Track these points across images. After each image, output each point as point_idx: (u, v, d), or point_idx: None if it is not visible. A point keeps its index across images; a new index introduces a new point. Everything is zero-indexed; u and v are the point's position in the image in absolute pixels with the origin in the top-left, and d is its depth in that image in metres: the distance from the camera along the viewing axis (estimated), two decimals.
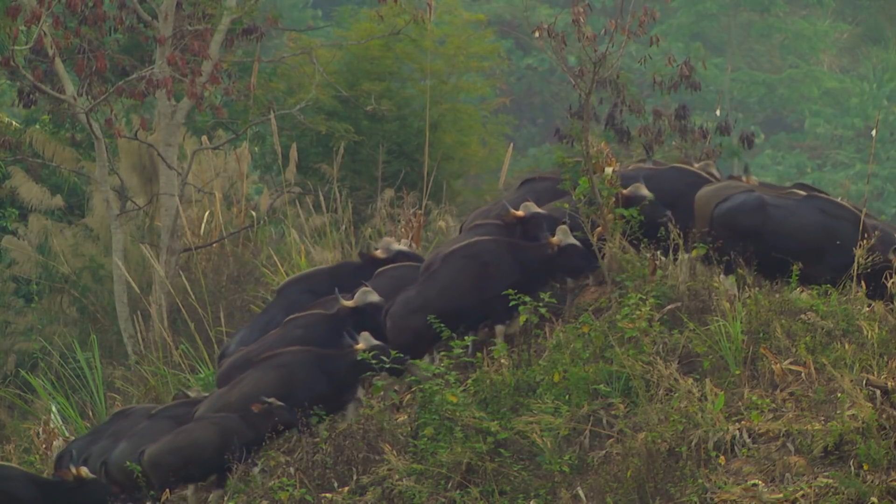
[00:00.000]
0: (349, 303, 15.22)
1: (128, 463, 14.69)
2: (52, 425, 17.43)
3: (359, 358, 14.58)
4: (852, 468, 12.56)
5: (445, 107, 24.66)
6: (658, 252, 14.96)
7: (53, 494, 14.72)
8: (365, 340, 14.72)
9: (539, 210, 15.49)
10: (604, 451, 13.40)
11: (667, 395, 13.55)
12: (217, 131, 24.20)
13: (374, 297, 15.30)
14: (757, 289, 14.45)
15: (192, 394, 15.85)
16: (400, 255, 16.32)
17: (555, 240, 15.01)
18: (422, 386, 14.00)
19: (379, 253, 16.33)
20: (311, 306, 15.70)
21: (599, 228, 15.03)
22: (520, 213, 15.46)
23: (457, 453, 13.50)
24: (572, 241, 15.04)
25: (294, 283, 16.71)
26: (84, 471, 14.73)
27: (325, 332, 15.16)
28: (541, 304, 14.63)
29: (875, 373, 13.26)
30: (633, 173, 15.57)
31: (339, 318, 15.21)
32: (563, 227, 15.10)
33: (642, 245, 15.01)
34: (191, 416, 15.00)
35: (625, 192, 15.35)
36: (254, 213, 22.15)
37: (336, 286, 15.55)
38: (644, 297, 14.23)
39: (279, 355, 14.85)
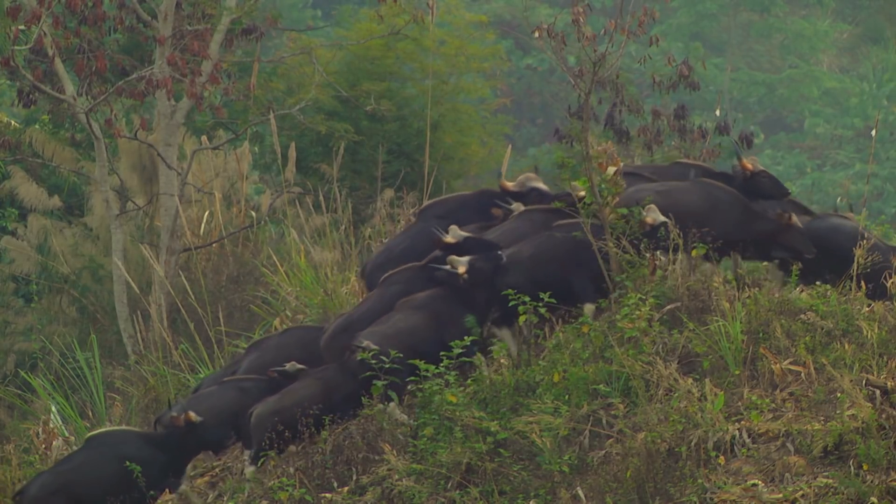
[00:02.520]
0: (449, 239, 15.24)
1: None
2: (51, 425, 17.43)
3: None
4: (852, 468, 12.57)
5: (445, 107, 24.66)
6: (658, 252, 14.96)
7: (168, 446, 14.67)
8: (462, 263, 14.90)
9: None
10: (603, 451, 13.40)
11: (666, 395, 13.55)
12: (217, 131, 24.20)
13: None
14: (757, 289, 14.46)
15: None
16: (534, 192, 16.26)
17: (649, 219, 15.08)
18: (421, 386, 14.00)
19: (514, 186, 16.26)
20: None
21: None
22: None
23: (456, 453, 13.50)
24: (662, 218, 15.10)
25: (430, 207, 16.70)
26: (192, 415, 14.65)
27: (422, 283, 15.27)
28: (540, 304, 14.63)
29: (875, 373, 13.27)
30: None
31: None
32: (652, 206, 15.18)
33: (642, 246, 15.01)
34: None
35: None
36: (254, 213, 22.15)
37: (474, 213, 15.63)
38: (644, 297, 14.23)
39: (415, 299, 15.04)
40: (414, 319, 14.83)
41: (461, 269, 14.89)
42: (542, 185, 16.26)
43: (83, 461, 14.51)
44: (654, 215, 14.86)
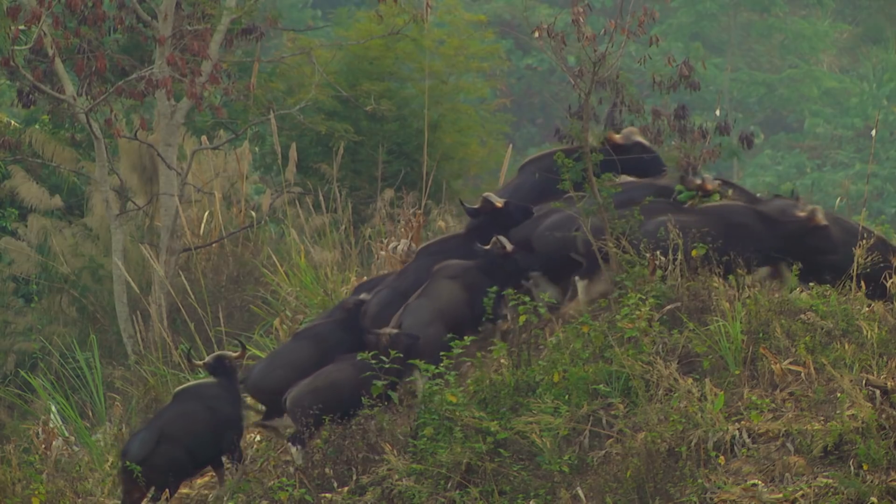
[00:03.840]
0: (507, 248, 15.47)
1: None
2: (51, 425, 17.42)
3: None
4: (852, 468, 12.57)
5: (445, 107, 24.66)
6: (657, 252, 14.95)
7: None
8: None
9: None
10: (603, 451, 13.40)
11: (666, 395, 13.55)
12: (217, 131, 24.20)
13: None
14: (757, 289, 14.46)
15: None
16: (637, 146, 16.25)
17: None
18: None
19: (620, 139, 16.24)
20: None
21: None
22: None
23: (456, 453, 13.50)
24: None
25: (532, 161, 16.80)
26: (390, 329, 14.94)
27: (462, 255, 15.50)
28: (540, 304, 14.63)
29: (875, 373, 13.27)
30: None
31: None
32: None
33: (642, 245, 15.00)
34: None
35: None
36: (254, 213, 22.15)
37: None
38: (644, 297, 14.23)
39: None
40: (452, 290, 15.01)
41: (509, 247, 15.22)
42: (644, 140, 16.29)
43: (178, 413, 14.66)
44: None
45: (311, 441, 14.44)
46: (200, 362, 15.16)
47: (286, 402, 14.78)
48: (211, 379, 15.03)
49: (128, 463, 14.41)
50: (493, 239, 15.45)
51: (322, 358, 15.08)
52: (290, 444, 14.60)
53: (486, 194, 16.02)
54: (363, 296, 15.94)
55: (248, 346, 15.72)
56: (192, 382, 15.21)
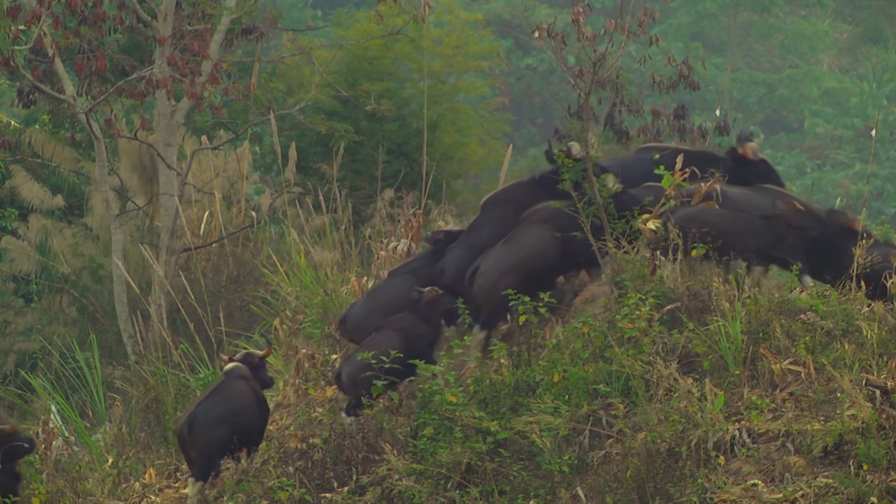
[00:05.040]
0: None
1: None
2: (51, 425, 17.41)
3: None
4: (852, 468, 12.57)
5: (444, 107, 24.67)
6: (657, 252, 14.95)
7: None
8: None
9: None
10: (603, 451, 13.40)
11: (666, 395, 13.55)
12: (217, 131, 24.20)
13: None
14: (757, 289, 14.46)
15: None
16: (762, 163, 16.07)
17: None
18: (421, 386, 14.00)
19: (749, 153, 16.09)
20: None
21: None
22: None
23: (456, 453, 13.51)
24: None
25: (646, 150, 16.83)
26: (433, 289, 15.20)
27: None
28: (540, 304, 14.63)
29: (875, 373, 13.26)
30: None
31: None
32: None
33: (640, 243, 15.00)
34: None
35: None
36: (254, 213, 22.15)
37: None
38: (643, 297, 14.23)
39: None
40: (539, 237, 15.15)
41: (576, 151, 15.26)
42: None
43: (236, 392, 14.78)
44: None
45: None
46: (227, 358, 15.22)
47: (340, 377, 14.93)
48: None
49: (191, 436, 14.55)
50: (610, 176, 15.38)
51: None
52: (344, 413, 14.70)
53: (570, 143, 15.99)
54: (449, 226, 16.14)
55: (248, 346, 15.76)
56: (233, 364, 15.25)
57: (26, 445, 15.27)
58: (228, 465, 14.83)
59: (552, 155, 15.71)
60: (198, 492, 14.53)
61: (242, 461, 14.68)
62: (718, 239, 14.66)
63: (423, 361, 14.47)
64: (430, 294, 15.10)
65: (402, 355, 14.60)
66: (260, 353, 15.12)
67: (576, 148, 15.44)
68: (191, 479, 14.66)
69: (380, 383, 14.44)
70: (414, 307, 15.12)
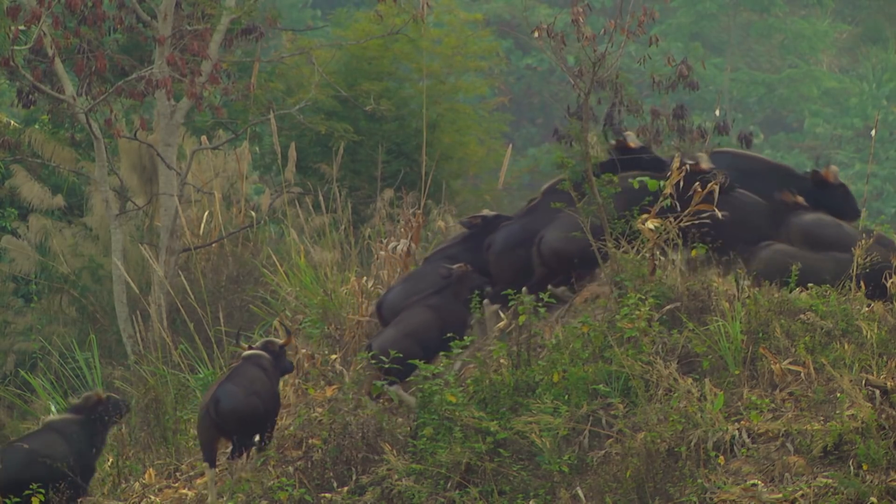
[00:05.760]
0: None
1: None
2: None
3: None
4: (852, 468, 12.56)
5: (444, 107, 24.68)
6: (657, 252, 14.95)
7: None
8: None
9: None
10: (603, 452, 13.40)
11: (666, 395, 13.55)
12: (217, 131, 24.20)
13: None
14: (756, 289, 14.45)
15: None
16: (842, 187, 15.86)
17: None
18: (421, 386, 14.00)
19: (830, 177, 15.84)
20: None
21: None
22: None
23: (456, 453, 13.50)
24: None
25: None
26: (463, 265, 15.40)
27: None
28: (540, 304, 14.63)
29: (874, 373, 13.27)
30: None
31: None
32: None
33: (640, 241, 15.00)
34: None
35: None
36: (253, 213, 22.15)
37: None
38: (643, 297, 14.23)
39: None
40: None
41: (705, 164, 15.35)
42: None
43: (254, 375, 14.83)
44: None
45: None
46: (247, 346, 15.26)
47: (370, 350, 15.06)
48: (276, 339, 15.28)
49: (217, 415, 14.56)
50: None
51: None
52: (387, 386, 14.82)
53: (626, 133, 16.16)
54: (485, 211, 16.25)
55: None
56: (252, 352, 15.28)
57: (123, 407, 15.46)
58: (225, 466, 14.85)
59: (623, 144, 15.91)
60: (213, 478, 14.61)
61: (243, 458, 14.71)
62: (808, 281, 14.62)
63: (455, 338, 14.56)
64: (460, 270, 15.24)
65: (433, 332, 14.75)
66: (280, 340, 15.16)
67: (632, 138, 15.62)
68: (206, 466, 14.72)
69: (379, 383, 14.43)
70: (444, 284, 15.28)
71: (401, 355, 14.77)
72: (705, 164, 15.50)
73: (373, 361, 14.86)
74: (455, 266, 15.37)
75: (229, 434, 14.59)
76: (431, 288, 15.56)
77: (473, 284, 15.30)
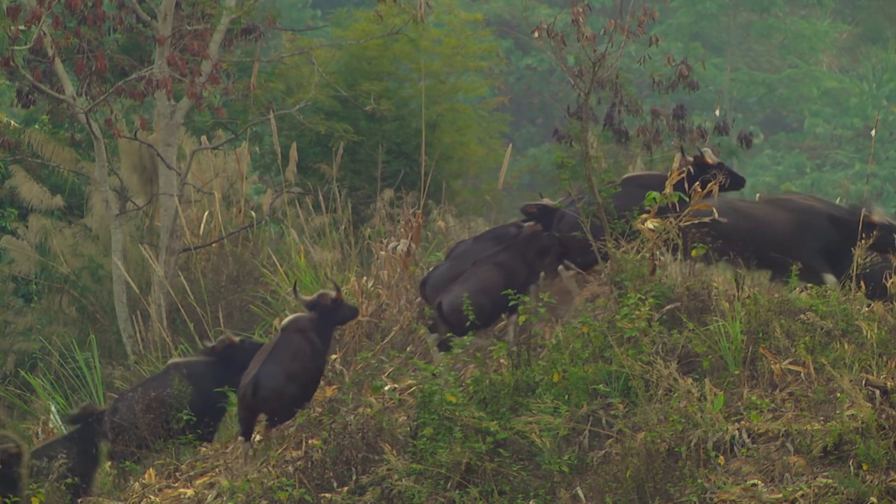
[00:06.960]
0: None
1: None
2: (51, 425, 17.43)
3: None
4: (851, 468, 12.57)
5: (443, 107, 24.66)
6: (657, 252, 14.96)
7: None
8: None
9: None
10: (603, 451, 13.40)
11: (666, 395, 13.55)
12: (217, 131, 24.19)
13: None
14: (756, 289, 14.46)
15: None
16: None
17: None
18: (421, 386, 14.00)
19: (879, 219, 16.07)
20: None
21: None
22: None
23: (456, 453, 13.50)
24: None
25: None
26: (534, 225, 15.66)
27: None
28: (540, 304, 14.63)
29: (874, 373, 13.27)
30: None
31: None
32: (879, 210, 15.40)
33: (640, 240, 15.00)
34: None
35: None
36: (253, 213, 22.15)
37: None
38: (643, 297, 14.23)
39: None
40: None
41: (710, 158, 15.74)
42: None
43: (295, 349, 15.05)
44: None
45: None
46: (304, 296, 15.38)
47: (441, 307, 15.19)
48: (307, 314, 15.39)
49: (256, 398, 14.81)
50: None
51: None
52: (437, 348, 15.00)
53: (704, 149, 16.34)
54: (546, 200, 16.49)
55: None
56: (290, 318, 15.37)
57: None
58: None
59: (700, 160, 16.13)
60: (247, 450, 14.94)
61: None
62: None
63: (521, 296, 14.63)
64: (530, 229, 15.32)
65: (500, 288, 14.83)
66: (332, 293, 15.29)
67: (709, 154, 15.81)
68: (241, 439, 15.02)
69: (379, 383, 14.44)
70: (512, 242, 15.35)
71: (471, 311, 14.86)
72: (710, 159, 15.69)
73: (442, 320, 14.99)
74: (526, 224, 15.51)
75: (268, 412, 14.91)
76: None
77: (542, 245, 15.39)
